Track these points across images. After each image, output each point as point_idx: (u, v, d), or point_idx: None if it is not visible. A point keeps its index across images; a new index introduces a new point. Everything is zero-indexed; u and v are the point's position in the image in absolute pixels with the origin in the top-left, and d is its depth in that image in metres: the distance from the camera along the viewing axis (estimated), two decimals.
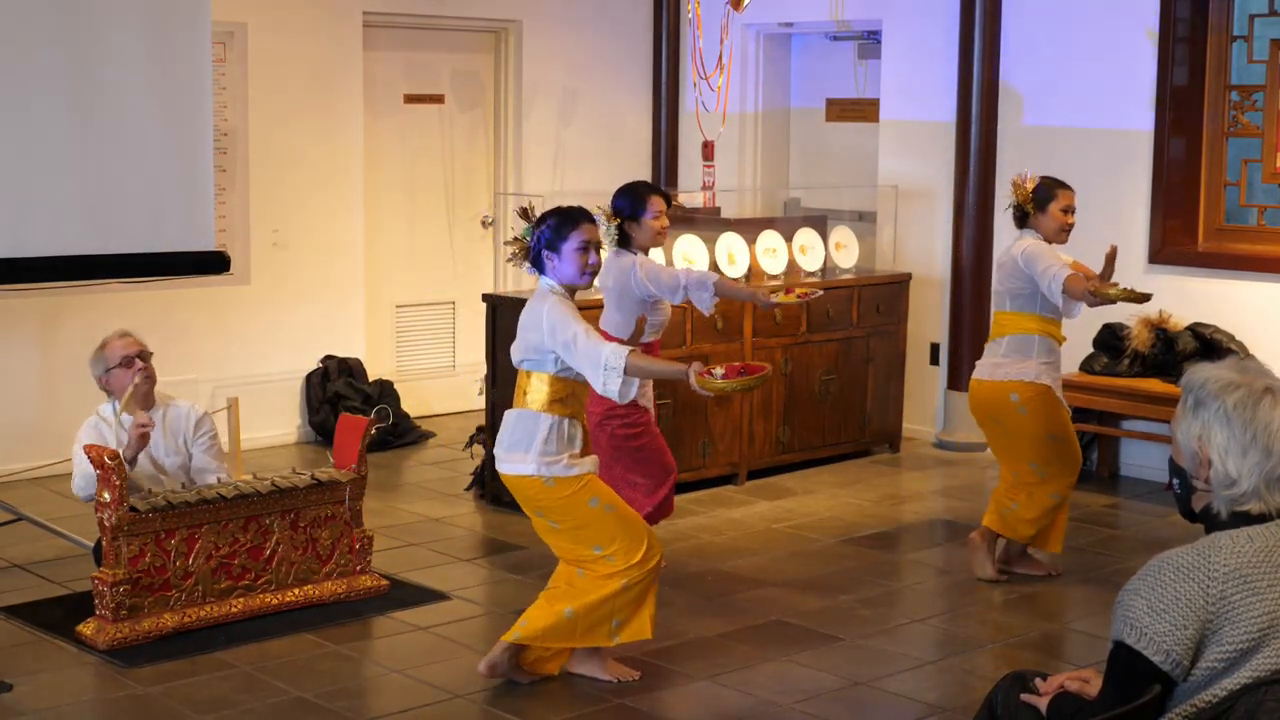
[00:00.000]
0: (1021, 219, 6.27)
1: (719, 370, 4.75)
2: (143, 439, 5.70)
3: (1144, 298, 6.13)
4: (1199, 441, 3.02)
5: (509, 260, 5.12)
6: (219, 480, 5.84)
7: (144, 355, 5.95)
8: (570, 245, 4.91)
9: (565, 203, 5.14)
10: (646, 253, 6.22)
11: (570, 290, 4.99)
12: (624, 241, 6.14)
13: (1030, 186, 6.25)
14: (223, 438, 6.46)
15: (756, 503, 7.63)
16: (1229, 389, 3.00)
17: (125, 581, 5.43)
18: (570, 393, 4.94)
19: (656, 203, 6.17)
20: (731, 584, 6.33)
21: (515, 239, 5.04)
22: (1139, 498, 7.78)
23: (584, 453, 5.01)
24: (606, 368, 4.72)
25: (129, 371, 5.90)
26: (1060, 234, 6.23)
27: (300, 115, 8.71)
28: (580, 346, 4.78)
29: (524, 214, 5.05)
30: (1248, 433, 2.97)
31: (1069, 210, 6.23)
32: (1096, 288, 5.99)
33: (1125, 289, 6.05)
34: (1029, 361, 6.21)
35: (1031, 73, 8.43)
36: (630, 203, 6.14)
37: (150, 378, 5.95)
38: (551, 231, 4.92)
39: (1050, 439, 6.28)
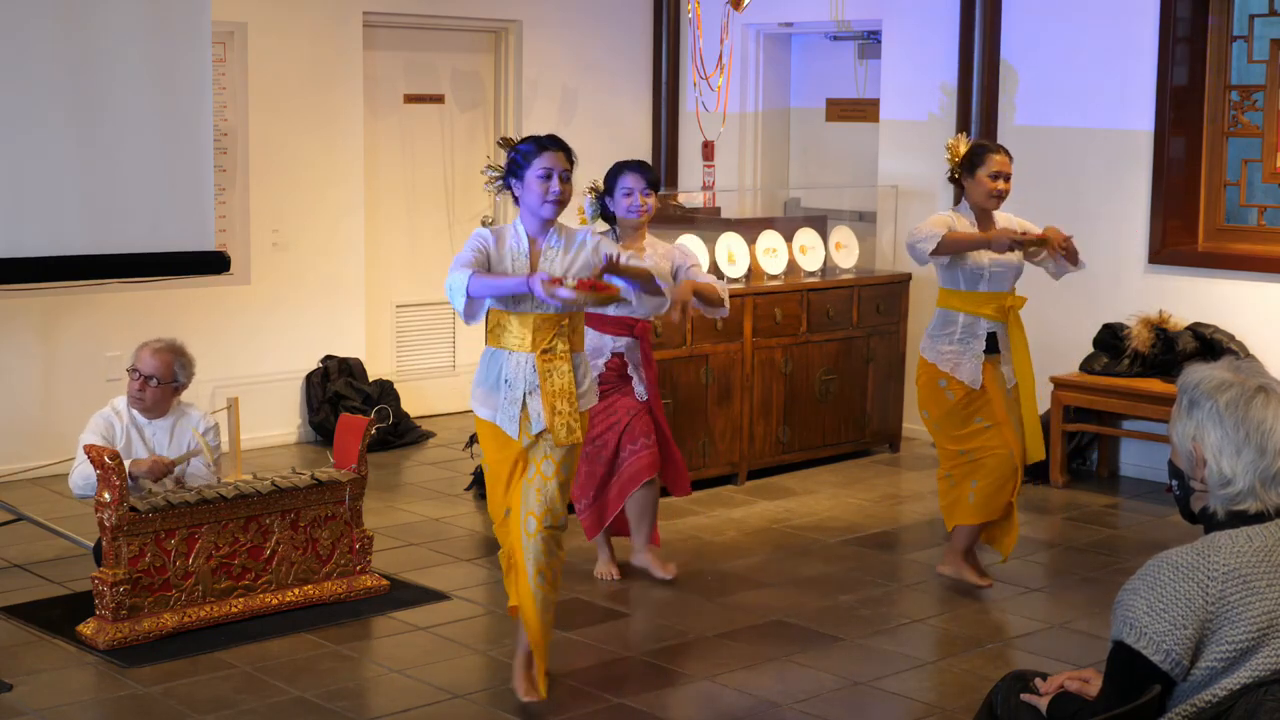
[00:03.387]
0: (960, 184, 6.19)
1: (570, 282, 4.65)
2: (155, 472, 5.79)
3: (1044, 239, 6.05)
4: (1194, 442, 3.02)
5: (486, 186, 5.09)
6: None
7: (154, 379, 5.95)
8: (533, 171, 4.83)
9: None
10: (628, 240, 6.14)
11: (542, 223, 4.88)
12: (609, 218, 6.21)
13: (963, 150, 6.14)
14: (223, 437, 6.46)
15: (756, 503, 7.63)
16: (1222, 388, 3.00)
17: (125, 581, 5.43)
18: (496, 323, 4.90)
19: (628, 180, 6.16)
20: (731, 584, 6.33)
21: (493, 166, 5.03)
22: (1139, 498, 7.78)
23: (509, 390, 4.86)
24: (450, 290, 4.73)
25: (132, 384, 5.96)
26: (990, 200, 6.06)
27: (300, 115, 8.71)
28: (450, 271, 4.78)
29: (505, 142, 5.02)
30: (1240, 431, 2.97)
31: (998, 176, 6.04)
32: (1011, 235, 5.97)
33: (1032, 236, 6.04)
34: (926, 337, 6.22)
35: (1031, 72, 8.43)
36: (608, 178, 6.23)
37: (145, 402, 5.97)
38: (520, 156, 4.87)
39: (924, 415, 6.25)
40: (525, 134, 9.37)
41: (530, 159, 4.85)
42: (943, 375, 6.11)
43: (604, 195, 6.20)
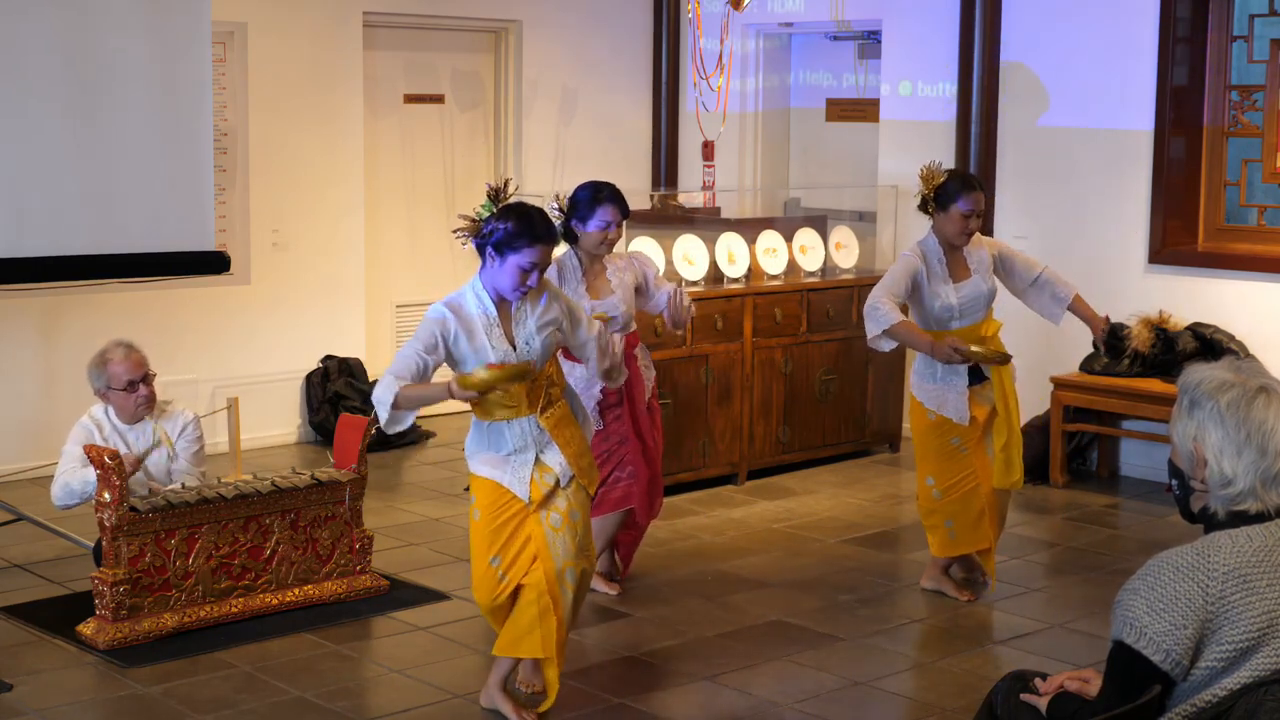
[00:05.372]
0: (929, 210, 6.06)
1: (480, 371, 4.49)
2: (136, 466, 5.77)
3: (1006, 357, 5.95)
4: (1194, 442, 3.02)
5: (454, 232, 4.74)
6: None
7: (147, 378, 5.92)
8: (516, 259, 4.56)
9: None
10: (589, 262, 5.85)
11: (498, 295, 4.65)
12: (570, 238, 5.84)
13: (938, 180, 6.01)
14: (223, 437, 6.47)
15: (756, 503, 7.63)
16: (1223, 389, 3.00)
17: (125, 581, 5.43)
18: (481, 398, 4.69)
19: (607, 213, 5.78)
20: (731, 584, 6.33)
21: (471, 218, 4.68)
22: (1139, 498, 7.78)
23: (520, 456, 4.73)
24: (377, 401, 4.52)
25: (132, 396, 5.88)
26: (960, 236, 5.99)
27: (300, 115, 8.71)
28: (389, 369, 4.58)
29: (495, 195, 4.67)
30: (1241, 432, 2.97)
31: (970, 215, 5.96)
32: (958, 347, 5.81)
33: (987, 350, 5.84)
34: (913, 374, 6.14)
35: (1031, 72, 8.43)
36: (583, 203, 5.80)
37: (151, 400, 5.92)
38: (505, 235, 4.56)
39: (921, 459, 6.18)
40: (526, 140, 9.56)
41: (519, 246, 4.55)
42: (930, 411, 6.05)
43: (570, 217, 5.80)
